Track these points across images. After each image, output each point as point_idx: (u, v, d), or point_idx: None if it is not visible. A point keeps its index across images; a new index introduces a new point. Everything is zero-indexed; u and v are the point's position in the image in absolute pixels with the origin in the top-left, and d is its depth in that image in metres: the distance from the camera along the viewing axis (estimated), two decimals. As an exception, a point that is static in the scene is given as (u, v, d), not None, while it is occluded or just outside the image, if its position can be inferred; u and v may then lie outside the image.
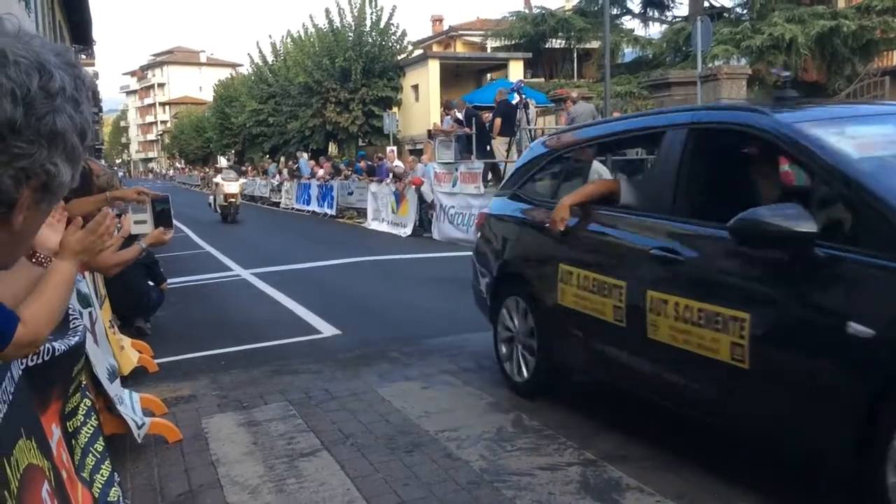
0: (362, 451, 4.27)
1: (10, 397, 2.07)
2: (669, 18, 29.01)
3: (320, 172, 25.11)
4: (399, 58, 33.43)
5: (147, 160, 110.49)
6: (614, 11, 28.30)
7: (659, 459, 3.98)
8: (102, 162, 7.09)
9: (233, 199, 22.48)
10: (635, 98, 24.55)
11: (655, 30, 29.46)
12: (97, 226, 2.22)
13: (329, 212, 23.27)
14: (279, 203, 29.29)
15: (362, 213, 20.84)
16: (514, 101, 16.26)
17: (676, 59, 25.96)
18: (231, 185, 22.77)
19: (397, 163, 20.70)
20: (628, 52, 30.28)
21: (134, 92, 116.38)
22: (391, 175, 19.25)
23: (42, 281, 2.13)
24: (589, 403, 4.94)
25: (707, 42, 14.55)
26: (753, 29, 22.89)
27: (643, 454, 4.06)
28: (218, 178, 24.59)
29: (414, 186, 17.11)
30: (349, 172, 23.12)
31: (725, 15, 26.34)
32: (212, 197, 24.76)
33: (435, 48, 41.47)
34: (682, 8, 28.41)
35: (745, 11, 25.88)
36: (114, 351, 5.52)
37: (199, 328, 7.95)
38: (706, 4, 26.40)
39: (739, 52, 22.74)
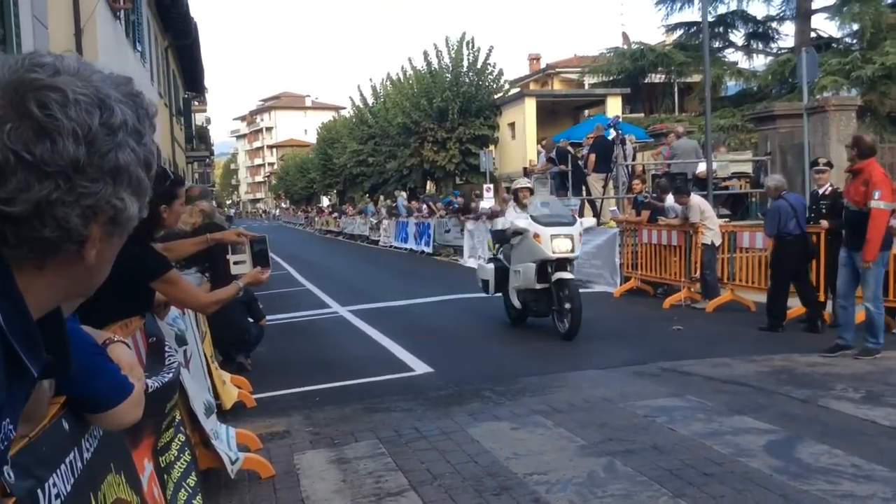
0: (449, 493, 4.22)
1: (100, 433, 2.14)
2: (774, 50, 28.16)
3: (424, 210, 25.40)
4: (496, 97, 33.69)
5: (255, 201, 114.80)
6: (716, 44, 27.72)
7: (760, 511, 3.77)
8: (214, 203, 7.42)
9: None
10: (739, 131, 23.89)
11: (760, 62, 28.67)
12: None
13: (426, 249, 23.49)
14: (378, 241, 29.80)
15: (459, 250, 20.93)
16: (610, 137, 16.08)
17: (782, 91, 25.14)
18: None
19: (483, 203, 20.74)
20: (732, 85, 29.54)
21: (243, 136, 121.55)
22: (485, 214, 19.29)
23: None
24: (686, 452, 4.74)
25: (813, 73, 13.99)
26: (864, 59, 21.95)
27: (743, 505, 3.85)
28: None
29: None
30: (443, 213, 23.25)
31: (834, 45, 25.37)
32: None
33: (532, 86, 41.62)
34: (787, 39, 27.57)
35: (854, 41, 24.87)
36: (216, 386, 5.70)
37: (296, 364, 8.11)
38: (813, 35, 25.54)
39: (849, 82, 21.83)
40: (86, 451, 1.89)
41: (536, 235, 8.88)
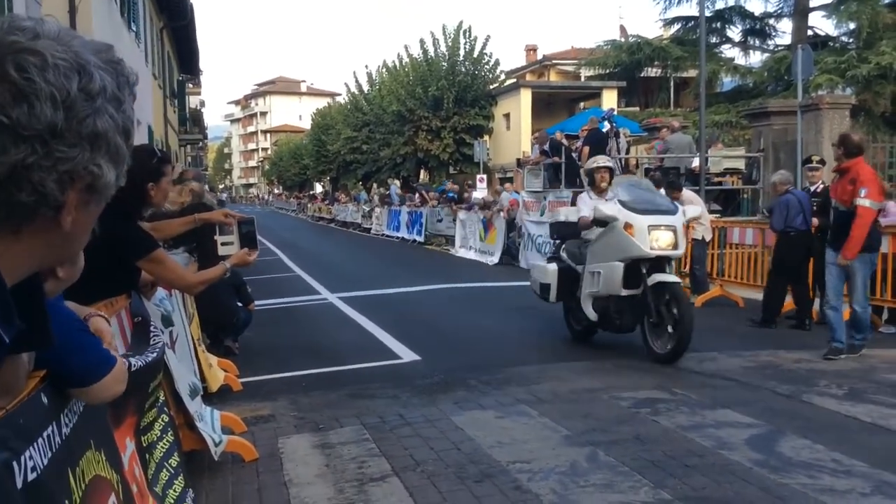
0: (432, 479, 4.23)
1: (81, 408, 2.13)
2: (771, 47, 28.19)
3: (416, 198, 25.39)
4: (491, 87, 33.66)
5: (248, 186, 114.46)
6: (713, 40, 27.72)
7: (738, 502, 3.80)
8: (206, 187, 7.38)
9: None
10: (733, 128, 23.94)
11: (756, 59, 28.69)
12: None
13: (418, 238, 23.49)
14: (370, 229, 29.78)
15: (451, 240, 20.94)
16: (604, 130, 16.08)
17: (778, 88, 25.19)
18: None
19: (476, 193, 20.74)
20: (727, 81, 29.58)
21: (238, 120, 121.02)
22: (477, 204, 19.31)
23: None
24: (668, 444, 4.77)
25: (808, 70, 14.02)
26: (860, 58, 22.02)
27: (723, 497, 3.88)
28: None
29: (502, 214, 17.10)
30: (435, 202, 23.24)
31: (830, 44, 25.42)
32: None
33: (528, 77, 41.59)
34: (784, 37, 27.59)
35: (850, 40, 24.92)
36: (202, 368, 5.70)
37: (284, 349, 8.11)
38: (810, 33, 25.57)
39: (844, 81, 21.89)
40: (65, 427, 1.89)
41: (628, 226, 7.11)
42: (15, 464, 1.48)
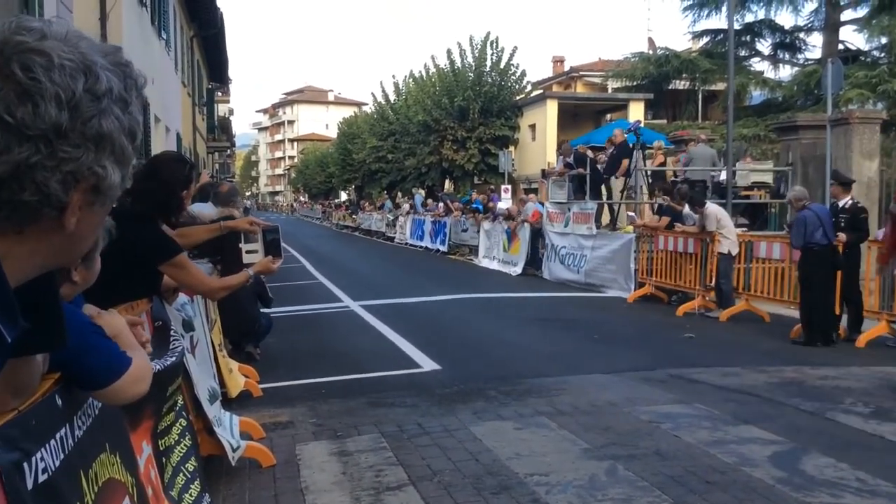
0: (448, 490, 4.21)
1: (97, 412, 2.14)
2: (801, 61, 27.93)
3: (440, 208, 25.38)
4: (517, 98, 33.62)
5: (274, 193, 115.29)
6: (743, 53, 27.53)
7: (760, 522, 3.74)
8: (238, 199, 7.43)
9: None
10: (761, 141, 23.71)
11: (786, 73, 28.45)
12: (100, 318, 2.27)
13: (441, 248, 23.48)
14: (394, 238, 29.83)
15: (474, 250, 20.91)
16: (632, 143, 15.99)
17: (807, 102, 24.94)
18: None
19: (501, 203, 20.69)
20: (756, 95, 29.34)
21: (265, 128, 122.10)
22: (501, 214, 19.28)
23: (122, 342, 2.26)
24: (689, 459, 4.71)
25: (838, 84, 13.84)
26: (891, 72, 21.74)
27: (744, 515, 3.82)
28: None
29: (527, 225, 17.06)
30: (459, 213, 23.20)
31: (861, 58, 25.13)
32: None
33: (555, 88, 41.49)
34: (815, 51, 27.32)
35: (882, 54, 24.62)
36: (223, 374, 5.72)
37: (305, 356, 8.13)
38: (841, 47, 25.30)
39: (875, 96, 21.62)
40: (78, 429, 1.90)
41: None
42: (26, 465, 1.49)
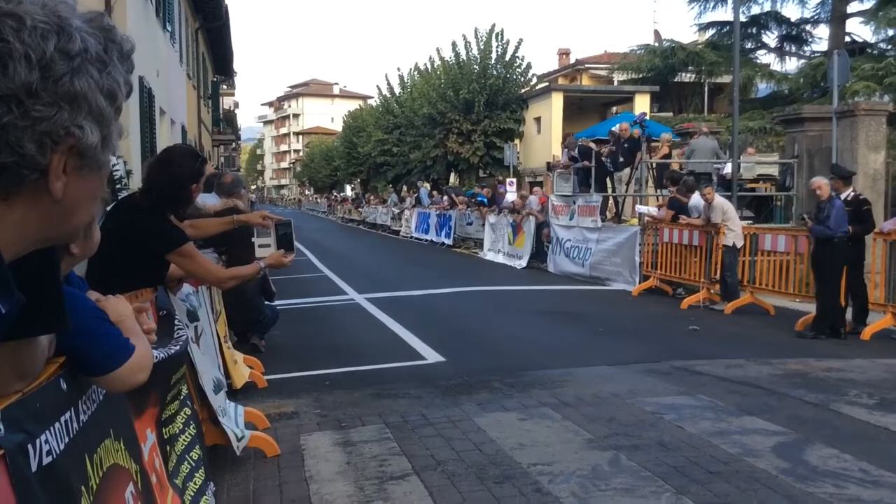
0: (452, 479, 4.22)
1: (101, 398, 2.16)
2: (807, 53, 27.80)
3: (445, 201, 25.37)
4: (523, 90, 33.56)
5: (279, 187, 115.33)
6: (749, 45, 27.42)
7: (763, 511, 3.74)
8: (243, 191, 7.47)
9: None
10: (767, 134, 23.63)
11: (792, 65, 28.32)
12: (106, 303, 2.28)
13: (446, 241, 23.49)
14: (399, 231, 29.85)
15: (479, 243, 20.91)
16: (636, 136, 15.95)
17: (814, 94, 24.83)
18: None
19: (510, 197, 20.69)
20: (763, 87, 29.23)
21: (271, 122, 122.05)
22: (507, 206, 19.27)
23: (126, 329, 2.27)
24: (692, 450, 4.71)
25: (844, 77, 13.78)
26: (899, 65, 21.61)
27: (747, 504, 3.83)
28: None
29: (532, 218, 17.05)
30: (463, 207, 23.16)
31: (868, 50, 24.99)
32: None
33: (560, 81, 41.39)
34: (821, 43, 27.19)
35: (889, 46, 24.49)
36: (227, 365, 5.74)
37: (310, 348, 8.15)
38: (847, 39, 25.18)
39: (882, 88, 21.48)
40: (83, 413, 1.91)
41: None
42: (30, 446, 1.50)
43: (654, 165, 15.54)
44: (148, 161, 4.06)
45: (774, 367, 7.07)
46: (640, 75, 31.15)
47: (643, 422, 5.28)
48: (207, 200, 6.07)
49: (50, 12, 0.93)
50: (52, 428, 1.64)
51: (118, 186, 8.91)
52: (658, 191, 14.92)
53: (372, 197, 40.38)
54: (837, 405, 5.70)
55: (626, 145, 15.64)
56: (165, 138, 15.60)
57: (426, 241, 25.37)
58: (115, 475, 2.15)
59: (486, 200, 22.04)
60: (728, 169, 14.64)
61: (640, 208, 14.17)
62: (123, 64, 1.02)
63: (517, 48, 32.92)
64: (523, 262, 17.06)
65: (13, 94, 0.91)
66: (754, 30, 27.60)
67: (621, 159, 15.75)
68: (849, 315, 8.98)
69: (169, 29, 17.30)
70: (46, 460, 1.56)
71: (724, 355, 7.59)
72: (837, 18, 24.85)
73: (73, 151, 0.97)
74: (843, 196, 9.09)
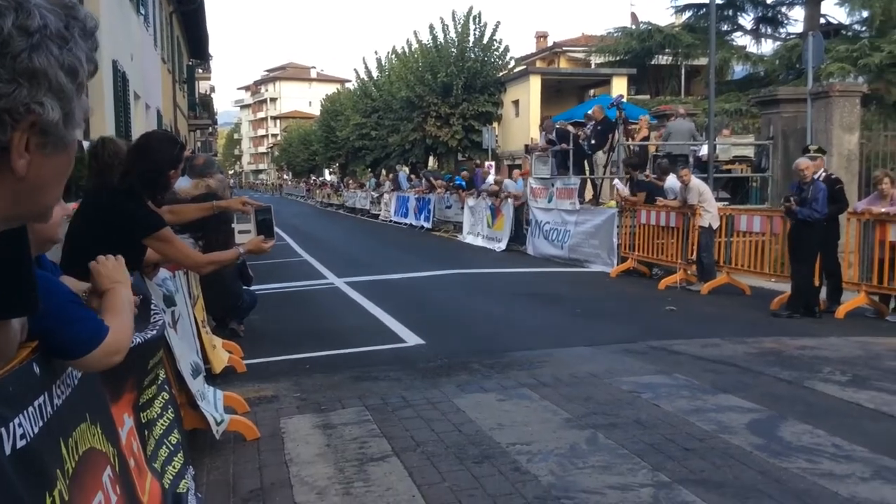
0: (431, 460, 4.25)
1: (76, 382, 2.15)
2: (783, 35, 27.97)
3: (423, 184, 25.35)
4: (501, 73, 33.52)
5: (257, 172, 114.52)
6: (725, 27, 27.52)
7: (737, 486, 3.80)
8: (220, 175, 7.45)
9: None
10: (743, 116, 23.78)
11: (768, 47, 28.47)
12: (101, 267, 2.34)
13: (425, 225, 23.47)
14: (378, 215, 29.78)
15: (458, 226, 20.92)
16: (613, 118, 16.01)
17: (789, 76, 25.00)
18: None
19: (490, 179, 20.72)
20: (739, 70, 29.39)
21: (248, 106, 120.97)
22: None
23: (118, 302, 2.29)
24: (668, 427, 4.77)
25: (819, 58, 13.88)
26: (872, 46, 21.79)
27: (722, 480, 3.89)
28: None
29: (510, 201, 17.08)
30: (441, 190, 23.15)
31: (843, 32, 25.18)
32: None
33: (538, 64, 41.39)
34: (796, 25, 27.35)
35: (863, 28, 24.68)
36: (206, 350, 5.72)
37: (289, 332, 8.13)
38: (822, 21, 25.34)
39: (857, 70, 21.68)
40: (57, 398, 1.91)
41: None
42: (3, 430, 1.49)
43: (633, 148, 15.61)
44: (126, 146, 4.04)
45: (749, 345, 7.16)
46: (618, 58, 31.22)
47: (620, 401, 5.33)
48: (180, 184, 6.02)
49: None
50: (25, 412, 1.64)
51: (92, 171, 8.81)
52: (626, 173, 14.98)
53: (351, 181, 40.24)
54: (811, 382, 5.79)
55: (598, 128, 15.69)
56: (140, 123, 15.43)
57: (405, 224, 25.35)
58: (91, 459, 2.15)
59: (464, 184, 22.04)
60: (704, 151, 14.74)
61: (617, 183, 14.20)
62: (86, 41, 1.01)
63: (495, 31, 32.89)
64: (502, 245, 17.10)
65: None
66: (730, 12, 27.71)
67: (593, 141, 15.81)
68: (823, 294, 9.10)
69: (143, 12, 17.07)
70: (20, 444, 1.56)
71: (701, 335, 7.67)
72: (812, 0, 24.99)
73: (35, 129, 0.96)
74: (815, 176, 9.17)
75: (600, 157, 16.19)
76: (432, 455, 4.32)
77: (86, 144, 9.25)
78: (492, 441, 4.54)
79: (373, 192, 32.28)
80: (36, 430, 1.67)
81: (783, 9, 27.75)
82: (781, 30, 28.27)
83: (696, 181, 11.35)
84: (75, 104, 1.00)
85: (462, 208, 20.46)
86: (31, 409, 1.68)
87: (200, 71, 40.02)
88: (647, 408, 5.15)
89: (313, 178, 59.17)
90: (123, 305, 2.29)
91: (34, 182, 0.99)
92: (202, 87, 43.20)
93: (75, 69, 0.99)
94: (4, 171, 0.95)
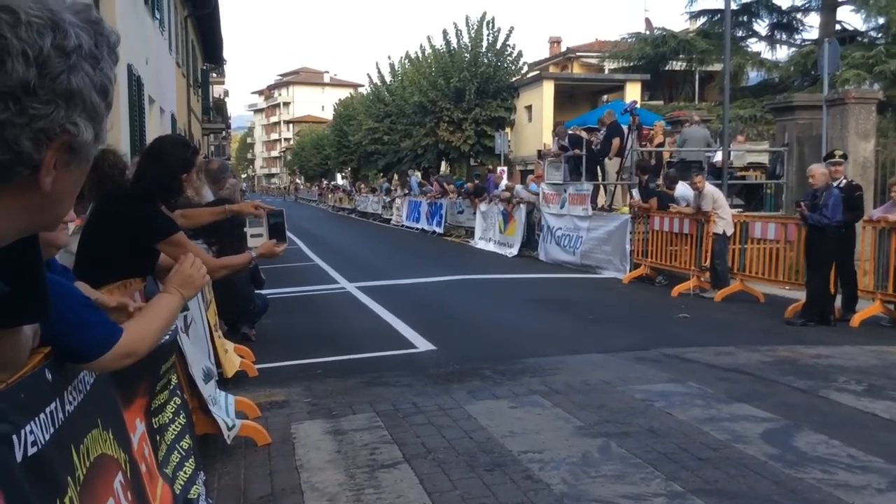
0: (443, 467, 4.23)
1: (88, 388, 2.15)
2: (798, 41, 27.81)
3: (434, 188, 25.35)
4: (514, 79, 33.50)
5: (270, 176, 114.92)
6: (739, 34, 27.39)
7: (752, 496, 3.76)
8: (233, 179, 7.53)
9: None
10: (758, 122, 23.66)
11: (783, 53, 28.32)
12: (186, 265, 2.46)
13: (437, 230, 23.47)
14: (390, 219, 29.81)
15: (470, 231, 20.90)
16: (627, 123, 15.95)
17: (804, 83, 24.85)
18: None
19: (503, 185, 20.70)
20: (753, 76, 29.24)
21: (261, 110, 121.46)
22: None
23: (149, 304, 2.34)
24: (682, 437, 4.73)
25: (834, 65, 13.80)
26: (888, 53, 21.64)
27: (736, 490, 3.85)
28: None
29: (523, 206, 17.05)
30: (454, 196, 23.15)
31: (859, 38, 25.01)
32: None
33: (552, 69, 41.32)
34: (812, 31, 27.18)
35: (879, 35, 24.51)
36: (218, 354, 5.72)
37: (301, 337, 8.14)
38: (838, 27, 25.19)
39: (872, 77, 21.53)
40: (69, 404, 1.90)
41: None
42: (14, 437, 1.49)
43: (649, 154, 15.54)
44: (137, 155, 4.06)
45: (764, 353, 7.10)
46: (631, 63, 31.11)
47: (633, 409, 5.30)
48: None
49: (42, 6, 0.92)
50: (37, 419, 1.63)
51: (107, 175, 8.85)
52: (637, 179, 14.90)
53: (362, 185, 40.30)
54: (826, 391, 5.74)
55: (606, 133, 15.64)
56: (155, 127, 15.51)
57: (417, 229, 25.35)
58: (102, 465, 2.14)
59: (467, 188, 22.08)
60: (718, 157, 14.66)
61: (635, 192, 14.14)
62: (112, 57, 1.01)
63: (508, 36, 32.85)
64: (514, 251, 17.07)
65: (10, 92, 0.90)
66: (745, 18, 27.58)
67: (599, 146, 15.78)
68: (838, 302, 9.02)
69: (158, 17, 17.18)
70: (31, 451, 1.55)
71: (714, 342, 7.62)
72: (828, 6, 24.86)
73: (65, 147, 0.96)
74: (836, 183, 9.10)
75: (612, 162, 16.14)
76: (443, 462, 4.30)
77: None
78: (503, 449, 4.51)
79: (385, 197, 32.32)
80: (47, 436, 1.66)
81: (798, 15, 27.59)
82: (797, 36, 28.12)
83: (710, 187, 11.29)
84: (105, 123, 1.01)
85: (474, 213, 20.45)
86: (42, 415, 1.68)
87: (214, 75, 40.26)
88: (661, 416, 5.11)
89: (325, 182, 59.32)
90: (159, 313, 2.30)
91: (54, 196, 0.99)
92: (216, 91, 43.49)
93: (106, 88, 1.00)
94: (29, 186, 0.95)
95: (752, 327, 8.63)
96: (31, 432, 1.57)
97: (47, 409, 1.72)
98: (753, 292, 10.59)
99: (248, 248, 4.32)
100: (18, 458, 1.49)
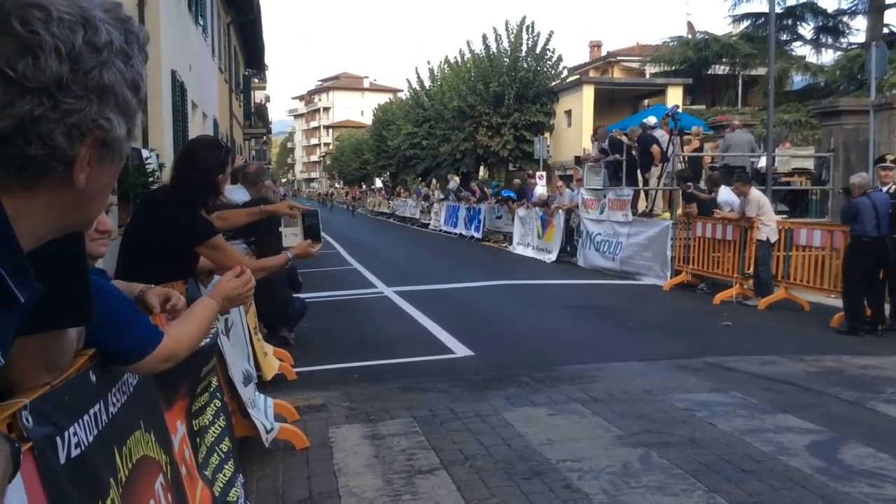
0: (480, 474, 4.20)
1: (131, 390, 2.17)
2: (844, 45, 27.31)
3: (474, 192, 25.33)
4: (553, 83, 33.36)
5: (310, 180, 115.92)
6: (784, 37, 27.01)
7: (797, 511, 3.67)
8: (269, 181, 7.64)
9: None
10: (803, 127, 23.25)
11: (828, 57, 27.83)
12: (238, 281, 2.51)
13: (476, 235, 23.44)
14: (428, 224, 29.85)
15: (508, 237, 20.84)
16: (672, 127, 15.75)
17: (850, 87, 24.39)
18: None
19: (539, 189, 20.59)
20: (798, 80, 28.81)
21: (301, 115, 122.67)
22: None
23: (190, 309, 2.37)
24: (724, 448, 4.64)
25: (882, 68, 13.50)
26: (938, 56, 21.10)
27: (782, 503, 3.76)
28: None
29: (561, 212, 16.95)
30: (493, 201, 23.10)
31: (907, 41, 24.48)
32: None
33: (592, 74, 41.10)
34: (858, 34, 26.67)
35: (929, 37, 23.97)
36: (257, 357, 5.77)
37: (339, 341, 8.17)
38: (885, 31, 24.67)
39: (921, 80, 21.02)
40: (112, 406, 1.92)
41: None
42: (58, 439, 1.50)
43: (686, 159, 15.35)
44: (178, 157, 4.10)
45: (809, 363, 6.95)
46: (673, 68, 30.84)
47: (675, 418, 5.21)
48: (234, 193, 6.10)
49: (72, 3, 0.93)
50: (80, 420, 1.65)
51: (151, 179, 9.01)
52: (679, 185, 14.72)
53: (402, 190, 40.45)
54: (874, 403, 5.59)
55: (637, 144, 15.42)
56: (197, 131, 15.72)
57: (455, 234, 25.35)
58: (144, 467, 2.16)
59: (513, 196, 21.96)
60: (762, 162, 14.43)
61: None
62: (142, 55, 1.02)
63: (548, 41, 32.72)
64: (553, 256, 16.97)
65: (44, 87, 0.91)
66: (790, 21, 27.19)
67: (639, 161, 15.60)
68: (887, 312, 8.79)
69: (201, 23, 17.43)
70: (75, 453, 1.57)
71: (758, 351, 7.48)
72: (875, 9, 24.37)
73: (98, 142, 0.97)
74: (885, 188, 8.88)
75: (653, 168, 15.95)
76: (481, 469, 4.27)
77: (144, 153, 9.47)
78: (542, 457, 4.47)
79: (423, 202, 32.38)
80: (91, 438, 1.68)
81: (845, 18, 27.14)
82: (843, 39, 27.64)
83: (755, 193, 11.10)
84: (138, 119, 1.01)
85: (512, 219, 20.39)
86: (86, 417, 1.69)
87: (256, 80, 40.69)
88: (703, 426, 5.02)
89: (363, 186, 59.65)
90: (200, 317, 2.32)
91: (89, 192, 1.00)
92: (258, 96, 43.94)
93: (138, 85, 1.00)
94: (64, 183, 0.96)
95: (797, 336, 8.46)
96: (75, 434, 1.59)
97: (91, 411, 1.74)
98: (798, 300, 10.38)
99: (284, 249, 4.35)
100: (62, 459, 1.51)
